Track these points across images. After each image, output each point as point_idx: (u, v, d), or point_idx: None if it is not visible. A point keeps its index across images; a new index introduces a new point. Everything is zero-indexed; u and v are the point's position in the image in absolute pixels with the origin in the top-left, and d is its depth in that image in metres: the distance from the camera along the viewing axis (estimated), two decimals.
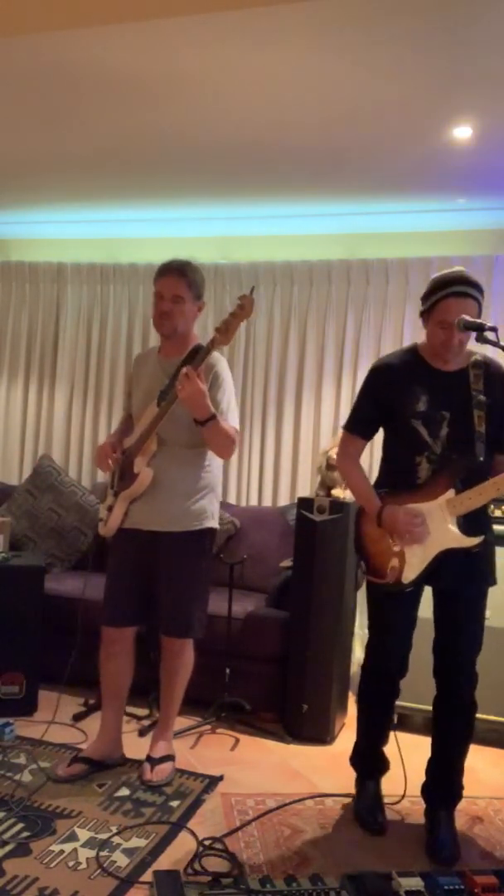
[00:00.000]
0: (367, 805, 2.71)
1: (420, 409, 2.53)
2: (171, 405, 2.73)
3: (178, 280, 2.83)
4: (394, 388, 2.58)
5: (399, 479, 2.58)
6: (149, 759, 2.92)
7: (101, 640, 2.97)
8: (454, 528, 2.48)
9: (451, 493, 2.48)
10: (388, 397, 2.60)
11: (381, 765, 2.80)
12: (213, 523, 2.93)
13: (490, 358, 2.61)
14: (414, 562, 2.52)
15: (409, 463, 2.56)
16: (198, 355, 2.72)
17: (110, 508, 2.92)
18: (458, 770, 2.65)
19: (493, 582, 2.59)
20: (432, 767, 2.69)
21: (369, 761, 2.81)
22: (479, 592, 2.58)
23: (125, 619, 2.92)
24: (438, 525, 2.49)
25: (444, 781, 2.65)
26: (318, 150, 3.51)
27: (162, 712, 3.04)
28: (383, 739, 2.80)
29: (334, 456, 3.49)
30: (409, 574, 2.52)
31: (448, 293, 2.44)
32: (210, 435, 2.75)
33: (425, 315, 2.53)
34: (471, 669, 2.60)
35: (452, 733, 2.65)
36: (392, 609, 2.63)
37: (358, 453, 2.73)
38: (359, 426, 2.70)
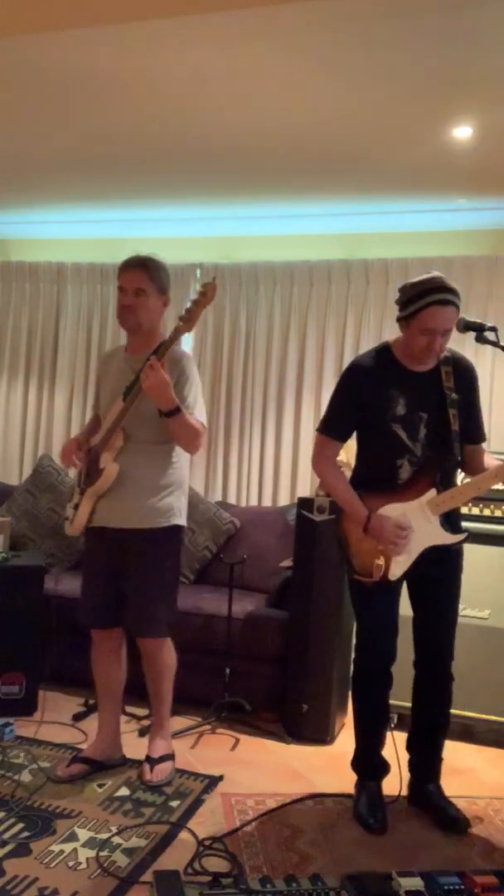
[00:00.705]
0: (367, 804, 2.72)
1: (399, 412, 2.57)
2: (136, 398, 2.72)
3: (140, 273, 2.81)
4: (370, 391, 2.59)
5: (380, 481, 2.61)
6: (148, 759, 2.91)
7: (90, 642, 2.97)
8: (438, 527, 2.57)
9: (432, 492, 2.55)
10: (365, 401, 2.61)
11: (382, 766, 2.81)
12: (181, 520, 2.91)
13: (457, 353, 2.67)
14: (400, 560, 2.58)
15: (390, 465, 2.60)
16: (164, 345, 2.71)
17: (77, 507, 2.89)
18: (443, 742, 2.81)
19: (461, 568, 2.72)
20: (418, 744, 2.80)
21: (370, 762, 2.81)
22: (455, 574, 2.70)
23: (105, 620, 2.90)
24: (422, 523, 2.56)
25: (432, 755, 2.79)
26: (318, 151, 3.51)
27: (154, 713, 3.01)
28: (382, 739, 2.81)
29: None
30: (396, 571, 2.59)
31: (431, 301, 2.45)
32: (175, 427, 2.73)
33: (405, 321, 2.54)
34: (452, 644, 2.71)
35: (439, 707, 2.76)
36: (380, 603, 2.67)
37: (335, 456, 2.74)
38: (336, 429, 2.70)
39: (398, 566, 2.58)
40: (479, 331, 2.50)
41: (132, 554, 2.81)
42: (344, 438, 2.73)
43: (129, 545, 2.80)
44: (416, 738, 2.83)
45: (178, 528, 2.91)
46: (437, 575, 2.65)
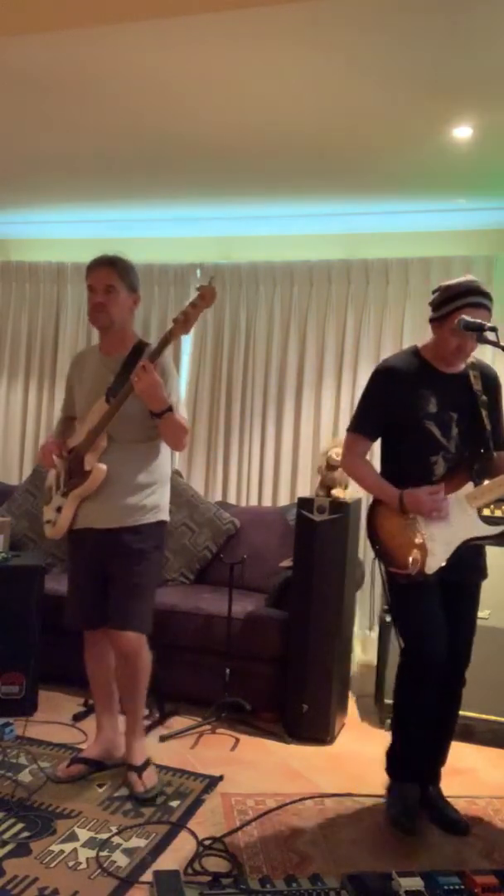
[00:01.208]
0: (404, 807, 2.65)
1: (431, 410, 2.62)
2: (125, 400, 2.70)
3: (109, 270, 2.80)
4: (402, 390, 2.64)
5: (414, 477, 2.62)
6: (132, 768, 2.83)
7: (83, 644, 2.97)
8: (476, 519, 2.58)
9: (469, 486, 2.58)
10: (397, 399, 2.64)
11: (417, 770, 2.74)
12: (166, 516, 2.91)
13: (481, 360, 2.76)
14: (438, 552, 2.56)
15: (424, 462, 2.63)
16: (157, 346, 2.70)
17: (59, 510, 2.87)
18: (448, 746, 2.81)
19: (485, 575, 2.74)
20: (424, 746, 2.76)
21: (413, 764, 2.74)
22: (479, 583, 2.73)
23: (95, 621, 2.88)
24: (461, 516, 2.57)
25: (436, 759, 2.79)
26: (318, 151, 3.51)
27: (129, 715, 2.92)
28: (425, 740, 2.73)
29: (334, 456, 3.49)
30: (433, 564, 2.56)
31: (465, 304, 2.53)
32: (166, 427, 2.74)
33: (437, 322, 2.60)
34: (469, 652, 2.72)
35: (449, 711, 2.76)
36: (420, 598, 2.63)
37: (365, 454, 2.76)
38: (367, 427, 2.73)
39: (435, 559, 2.55)
40: (479, 331, 2.52)
41: (119, 552, 2.79)
42: (374, 437, 2.76)
43: (115, 544, 2.79)
44: (425, 741, 2.78)
45: (164, 523, 2.91)
46: (462, 581, 2.65)
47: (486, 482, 2.57)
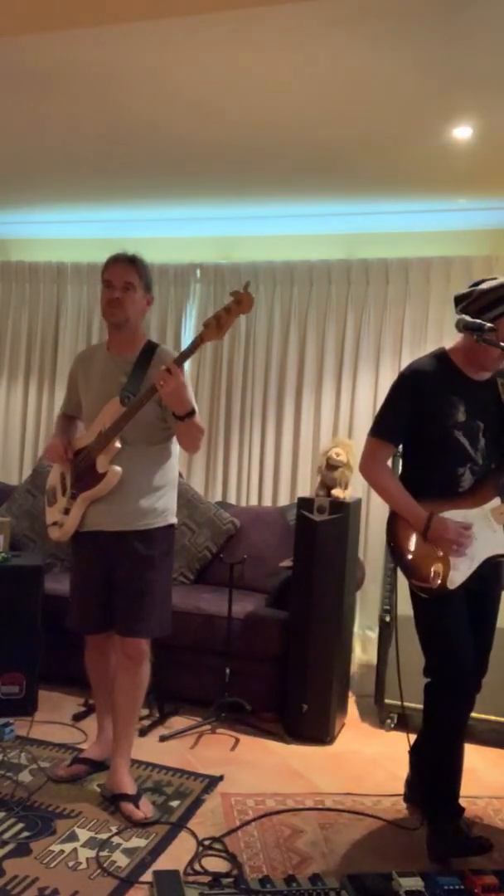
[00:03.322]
0: (449, 845, 2.46)
1: (460, 419, 2.51)
2: (146, 402, 2.66)
3: (129, 268, 2.78)
4: (431, 395, 2.52)
5: (439, 488, 2.52)
6: (126, 797, 2.69)
7: (84, 645, 2.95)
8: (503, 535, 2.50)
9: (496, 500, 2.49)
10: (425, 406, 2.52)
11: (461, 809, 2.55)
12: (174, 519, 2.89)
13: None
14: (461, 566, 2.47)
15: (452, 474, 2.52)
16: (186, 350, 2.66)
17: (66, 511, 2.83)
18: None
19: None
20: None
21: (452, 803, 2.53)
22: (500, 592, 2.66)
23: (99, 625, 2.85)
24: (486, 531, 2.49)
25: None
26: (318, 151, 3.51)
27: (121, 734, 2.79)
28: (461, 770, 2.55)
29: (334, 456, 3.49)
30: (457, 579, 2.46)
31: None
32: (187, 429, 2.70)
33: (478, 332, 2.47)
34: (487, 660, 2.64)
35: (462, 723, 2.64)
36: (448, 613, 2.51)
37: (387, 460, 2.63)
38: (392, 432, 2.59)
39: (458, 574, 2.45)
40: (478, 331, 2.48)
41: (127, 557, 2.76)
42: (398, 443, 2.63)
43: (125, 547, 2.76)
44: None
45: (173, 526, 2.90)
46: (484, 589, 2.56)
47: None
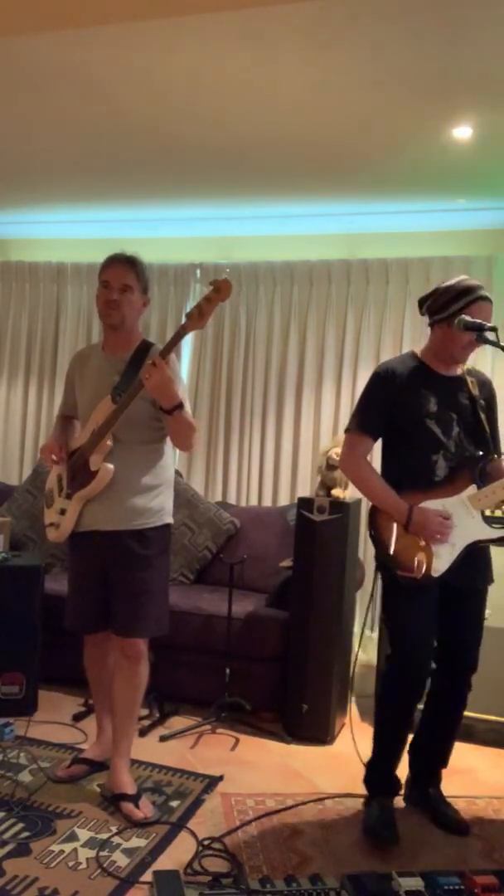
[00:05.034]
0: (382, 821, 2.61)
1: (432, 409, 2.62)
2: (134, 398, 2.66)
3: (127, 270, 2.78)
4: (403, 390, 2.63)
5: (415, 478, 2.61)
6: (126, 797, 2.69)
7: (83, 645, 2.95)
8: (481, 521, 2.57)
9: (472, 488, 2.57)
10: (398, 398, 2.63)
11: (397, 785, 2.74)
12: (170, 519, 2.88)
13: (476, 369, 2.82)
14: (444, 554, 2.55)
15: (426, 462, 2.61)
16: (169, 341, 2.65)
17: (62, 512, 2.83)
18: (451, 749, 2.81)
19: (491, 580, 2.72)
20: (426, 749, 2.78)
21: (388, 779, 2.73)
22: (484, 587, 2.71)
23: (97, 624, 2.85)
24: (465, 518, 2.56)
25: (439, 762, 2.79)
26: (318, 151, 3.52)
27: (120, 734, 2.79)
28: (401, 754, 2.73)
29: (334, 456, 3.49)
30: (440, 566, 2.54)
31: (477, 297, 2.56)
32: (176, 425, 2.69)
33: (446, 321, 2.59)
34: (475, 657, 2.70)
35: (455, 716, 2.76)
36: (417, 604, 2.59)
37: (367, 454, 2.72)
38: (369, 425, 2.69)
39: (441, 561, 2.54)
40: (479, 331, 2.52)
41: (123, 557, 2.75)
42: (377, 437, 2.71)
43: (121, 547, 2.75)
44: (424, 742, 2.80)
45: (169, 526, 2.89)
46: (466, 585, 2.62)
47: (491, 484, 2.56)
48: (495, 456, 2.63)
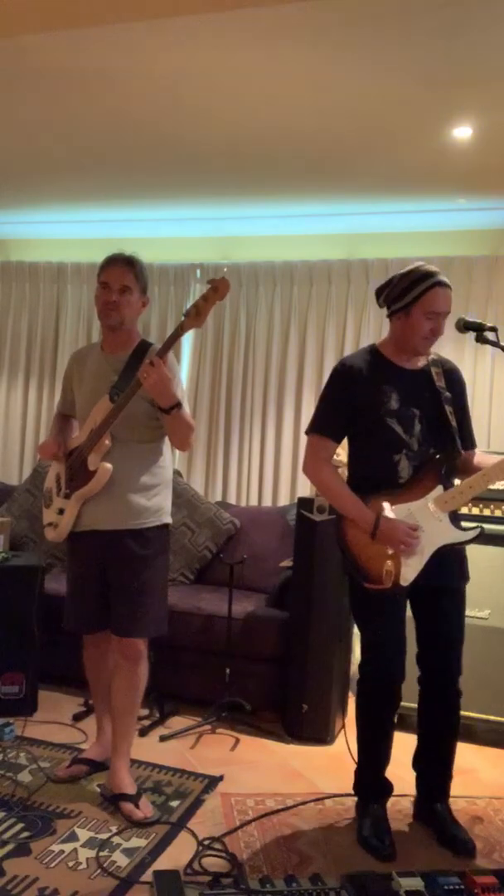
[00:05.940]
0: (373, 828, 2.56)
1: (392, 406, 2.53)
2: (132, 397, 2.65)
3: (127, 270, 2.77)
4: (363, 387, 2.55)
5: (379, 479, 2.53)
6: (126, 797, 2.68)
7: (82, 645, 2.95)
8: (449, 524, 2.49)
9: (438, 489, 2.48)
10: (357, 397, 2.55)
11: (387, 787, 2.67)
12: (169, 518, 2.88)
13: (443, 357, 2.68)
14: (412, 562, 2.46)
15: (387, 462, 2.52)
16: (167, 340, 2.65)
17: (61, 512, 2.83)
18: (452, 759, 2.68)
19: (467, 578, 2.64)
20: (426, 762, 2.70)
21: (376, 784, 2.67)
22: (461, 585, 2.63)
23: (97, 624, 2.85)
24: (431, 523, 2.47)
25: (442, 774, 2.68)
26: (318, 151, 3.52)
27: (120, 735, 2.78)
28: (387, 758, 2.67)
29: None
30: (409, 574, 2.46)
31: (434, 283, 2.48)
32: (174, 424, 2.69)
33: (404, 310, 2.52)
34: (458, 658, 2.62)
35: (448, 724, 2.66)
36: (385, 610, 2.54)
37: (330, 458, 2.63)
38: (330, 428, 2.60)
39: (410, 569, 2.45)
40: (478, 331, 2.49)
41: (121, 557, 2.75)
42: (339, 439, 2.63)
43: (119, 546, 2.75)
44: (423, 755, 2.71)
45: (167, 525, 2.89)
46: (440, 584, 2.54)
47: (456, 484, 2.49)
48: (461, 451, 2.54)
